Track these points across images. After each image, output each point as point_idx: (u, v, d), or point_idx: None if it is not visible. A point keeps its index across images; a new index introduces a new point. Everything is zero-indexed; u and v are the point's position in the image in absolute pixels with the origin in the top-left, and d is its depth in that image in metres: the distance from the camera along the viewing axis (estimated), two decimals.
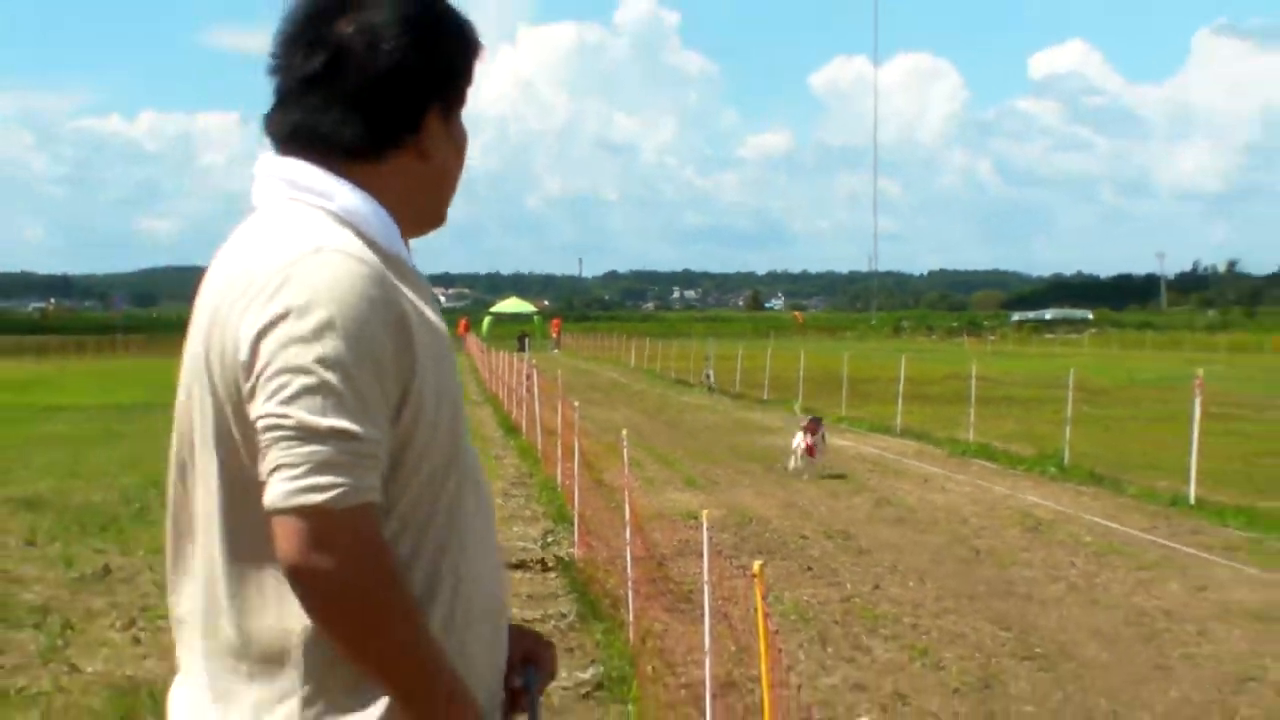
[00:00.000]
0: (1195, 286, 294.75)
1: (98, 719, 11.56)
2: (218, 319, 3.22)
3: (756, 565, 7.67)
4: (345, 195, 3.32)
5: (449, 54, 3.48)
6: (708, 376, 64.87)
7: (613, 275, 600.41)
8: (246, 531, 3.19)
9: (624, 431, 17.27)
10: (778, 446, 34.94)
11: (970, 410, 37.53)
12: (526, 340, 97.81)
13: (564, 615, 15.44)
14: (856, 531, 22.00)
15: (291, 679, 3.21)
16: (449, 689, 3.20)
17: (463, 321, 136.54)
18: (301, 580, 3.07)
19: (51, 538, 20.61)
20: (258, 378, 3.10)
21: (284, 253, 3.17)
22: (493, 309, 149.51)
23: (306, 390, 3.04)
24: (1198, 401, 26.09)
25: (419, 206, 3.49)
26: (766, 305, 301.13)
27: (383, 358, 3.12)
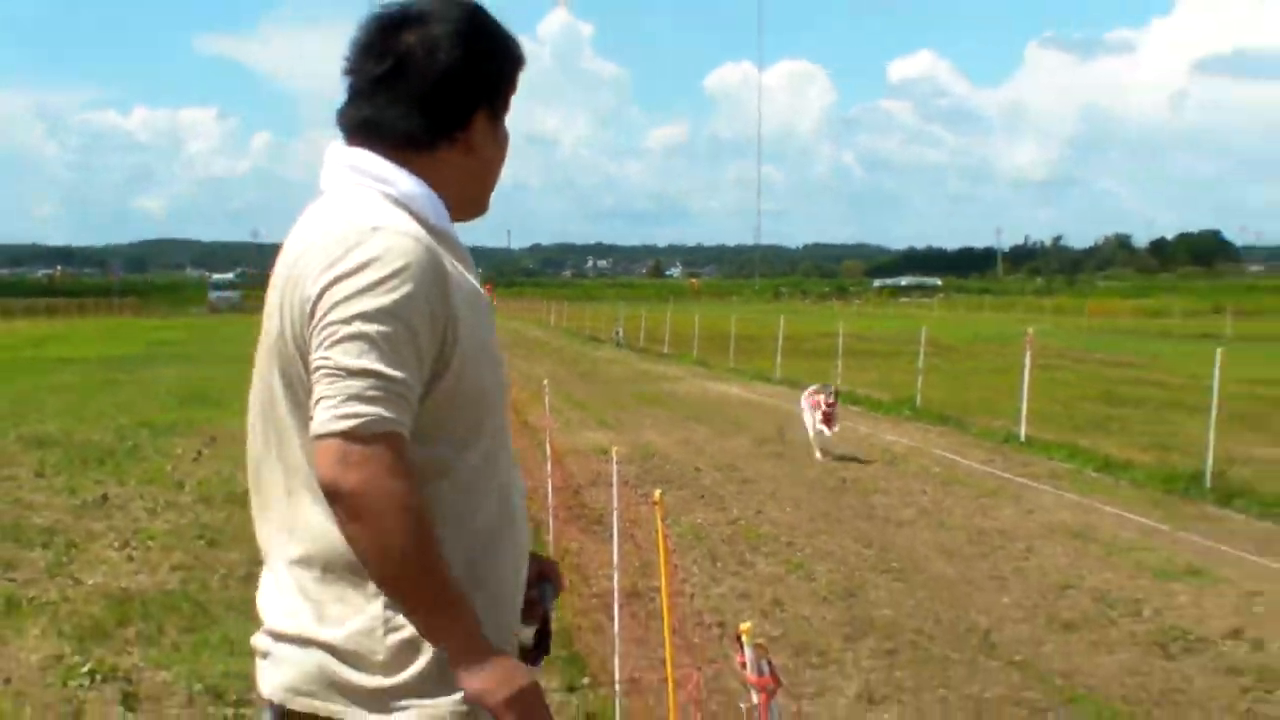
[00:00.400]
0: (1026, 258, 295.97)
1: (97, 624, 11.56)
2: (290, 284, 3.29)
3: (657, 493, 7.71)
4: (403, 181, 3.39)
5: (496, 65, 3.55)
6: (617, 334, 65.04)
7: (537, 247, 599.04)
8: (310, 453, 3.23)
9: (545, 381, 17.35)
10: (678, 392, 34.94)
11: (838, 362, 37.64)
12: None
13: None
14: (742, 465, 22.08)
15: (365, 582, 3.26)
16: (461, 614, 3.19)
17: None
18: (331, 494, 3.12)
19: (58, 470, 20.66)
20: (316, 328, 3.17)
21: (347, 229, 3.24)
22: None
23: (346, 338, 3.11)
24: (1028, 355, 26.25)
25: (465, 194, 3.54)
26: (667, 273, 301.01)
27: (420, 318, 3.17)
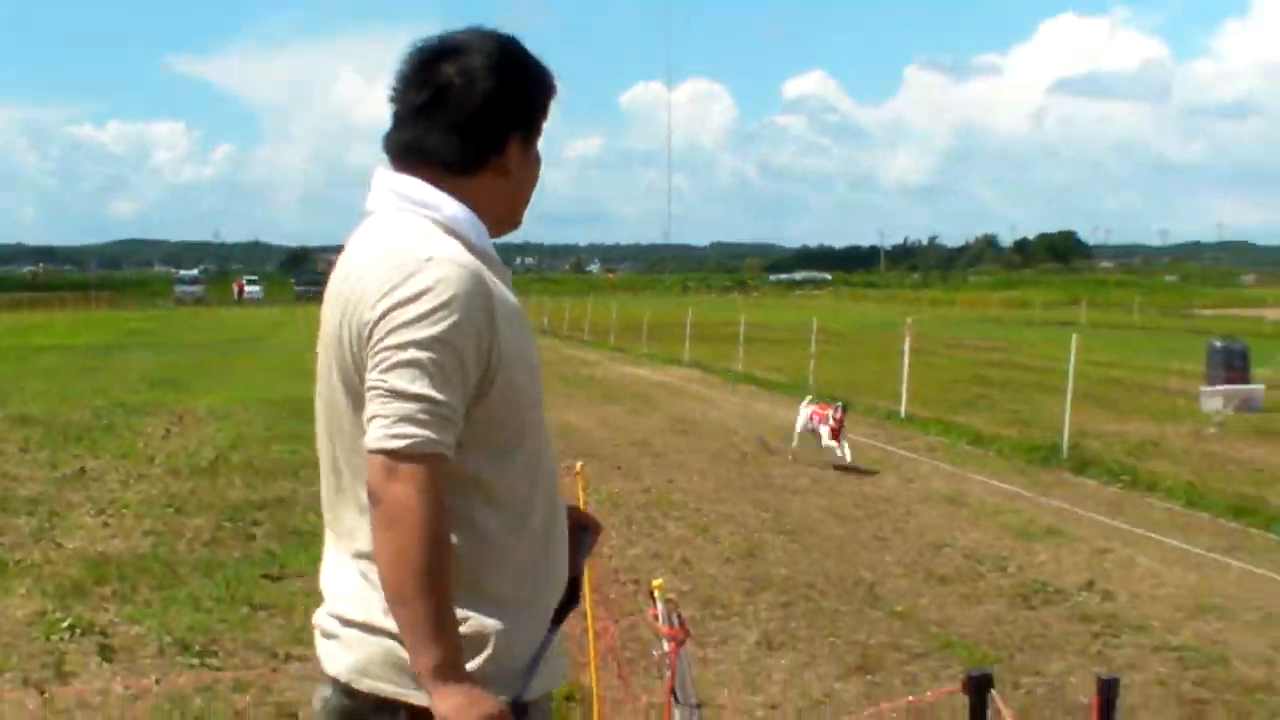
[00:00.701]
0: (905, 256, 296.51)
1: (76, 583, 11.53)
2: (350, 304, 3.29)
3: (579, 464, 7.73)
4: (448, 205, 3.38)
5: (529, 94, 3.52)
6: (543, 322, 64.93)
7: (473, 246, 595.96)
8: None
9: None
10: (596, 376, 34.92)
11: (740, 348, 37.68)
12: None
13: None
14: (654, 440, 22.12)
15: None
16: (447, 638, 3.15)
17: None
18: (373, 500, 3.13)
19: (40, 446, 20.57)
20: (373, 351, 3.17)
21: (404, 257, 3.22)
22: None
23: (401, 364, 3.11)
24: (907, 342, 26.32)
25: (499, 212, 3.51)
26: (586, 269, 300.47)
27: (468, 343, 3.17)
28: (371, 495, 3.14)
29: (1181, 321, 77.13)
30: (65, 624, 10.23)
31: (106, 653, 9.58)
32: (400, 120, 3.48)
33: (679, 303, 79.42)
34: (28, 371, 36.82)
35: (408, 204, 3.41)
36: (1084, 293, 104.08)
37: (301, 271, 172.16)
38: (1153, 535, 14.25)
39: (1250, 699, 8.98)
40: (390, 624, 3.23)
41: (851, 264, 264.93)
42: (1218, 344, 29.62)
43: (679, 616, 4.48)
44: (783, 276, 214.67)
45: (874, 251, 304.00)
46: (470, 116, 3.41)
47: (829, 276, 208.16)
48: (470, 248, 3.34)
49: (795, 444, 19.95)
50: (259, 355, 45.24)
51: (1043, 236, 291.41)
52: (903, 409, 25.64)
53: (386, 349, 3.15)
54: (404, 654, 3.20)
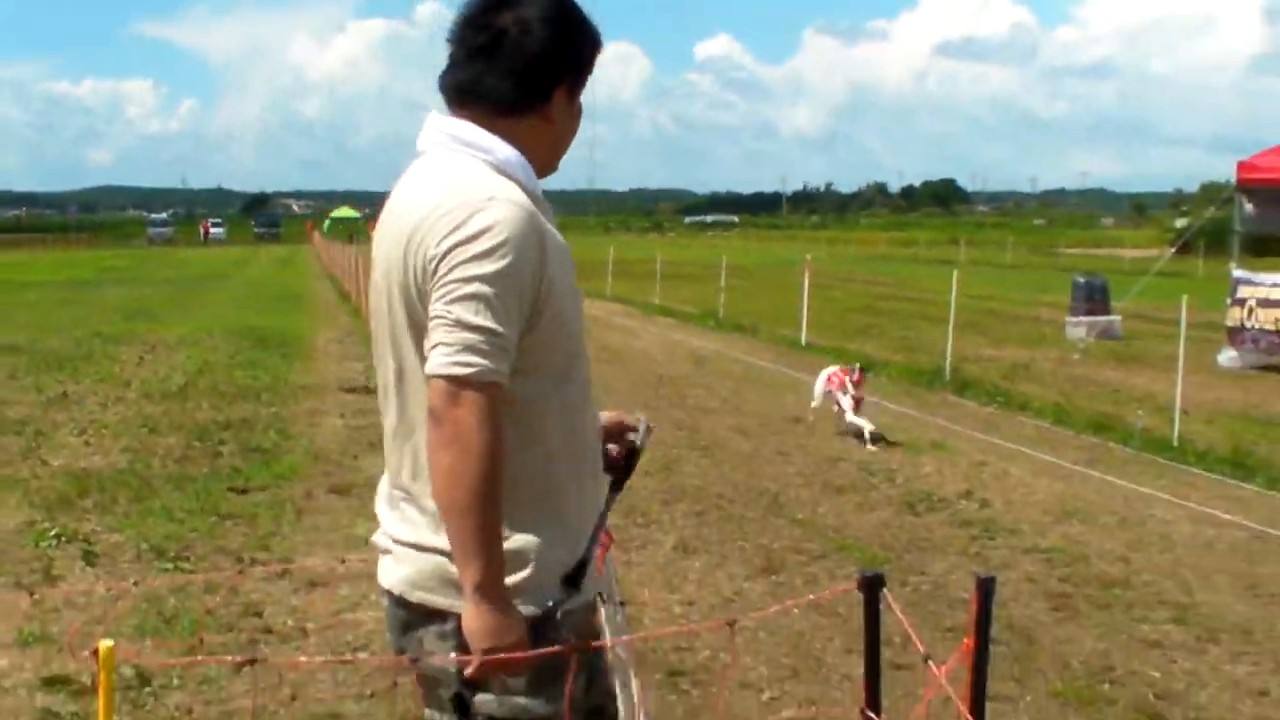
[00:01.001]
0: (805, 200, 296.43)
1: (61, 496, 11.48)
2: (413, 242, 3.25)
3: None
4: (501, 149, 3.35)
5: (578, 48, 3.48)
6: None
7: None
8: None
9: None
10: None
11: (657, 283, 37.70)
12: (354, 236, 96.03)
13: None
14: None
15: None
16: (492, 557, 3.14)
17: (309, 224, 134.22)
18: (434, 421, 3.12)
19: (27, 372, 20.43)
20: (437, 284, 3.15)
21: (466, 198, 3.20)
22: (332, 214, 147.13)
23: (464, 296, 3.10)
24: (806, 276, 26.39)
25: (542, 156, 3.47)
26: None
27: (524, 279, 3.17)
28: (433, 415, 3.13)
29: (1049, 260, 77.59)
30: (52, 533, 10.20)
31: (90, 558, 9.56)
32: (456, 62, 3.46)
33: (601, 242, 79.31)
34: (13, 305, 36.35)
35: (461, 146, 3.39)
36: (963, 234, 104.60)
37: (260, 214, 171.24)
38: (1024, 449, 14.38)
39: (1108, 593, 9.10)
40: (439, 542, 3.25)
41: (757, 208, 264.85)
42: (1080, 279, 29.91)
43: (605, 526, 4.50)
44: (695, 219, 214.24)
45: (777, 197, 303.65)
46: (523, 64, 3.39)
47: (736, 219, 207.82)
48: (521, 188, 3.32)
49: (815, 405, 15.83)
50: (223, 290, 45.11)
51: (926, 183, 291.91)
52: (803, 337, 25.71)
53: (451, 282, 3.14)
54: (452, 569, 3.21)
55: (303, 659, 7.30)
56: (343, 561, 8.20)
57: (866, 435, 14.58)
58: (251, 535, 10.33)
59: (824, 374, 15.83)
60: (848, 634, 7.80)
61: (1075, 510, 11.58)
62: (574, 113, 3.55)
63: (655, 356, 23.95)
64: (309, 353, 24.16)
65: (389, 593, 3.44)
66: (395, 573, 3.41)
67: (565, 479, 3.37)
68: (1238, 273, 23.75)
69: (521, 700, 3.23)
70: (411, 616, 3.38)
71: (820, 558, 9.93)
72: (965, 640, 3.06)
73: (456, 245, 3.15)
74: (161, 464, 13.10)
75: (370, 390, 17.94)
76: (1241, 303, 22.80)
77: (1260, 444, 14.97)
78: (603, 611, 4.53)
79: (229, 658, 7.06)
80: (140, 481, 12.22)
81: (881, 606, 2.92)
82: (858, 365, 16.01)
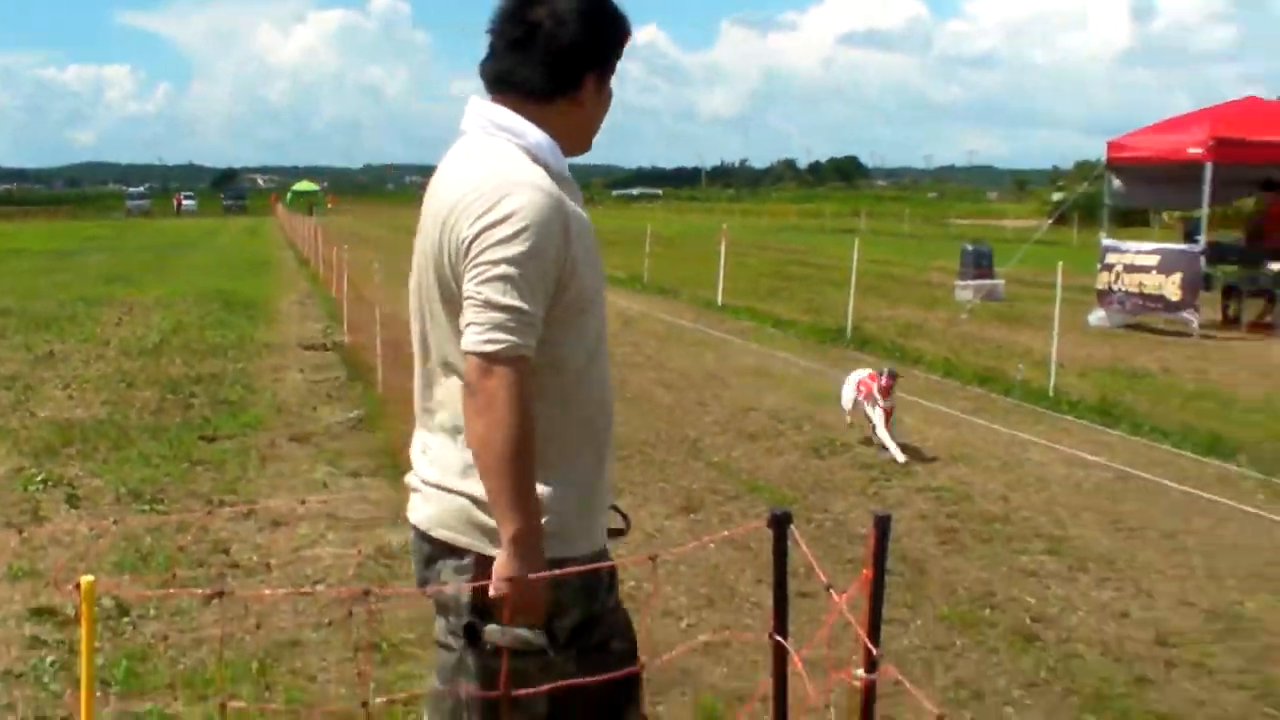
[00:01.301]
0: (722, 175, 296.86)
1: (47, 444, 11.44)
2: (448, 223, 3.27)
3: None
4: (532, 133, 3.35)
5: (608, 39, 3.47)
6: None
7: (369, 167, 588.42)
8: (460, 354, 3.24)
9: (375, 264, 17.17)
10: None
11: None
12: (314, 208, 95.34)
13: (338, 378, 15.44)
14: None
15: None
16: (528, 508, 3.18)
17: (274, 197, 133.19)
18: (469, 394, 3.16)
19: (16, 332, 20.34)
20: (469, 265, 3.17)
21: (497, 182, 3.20)
22: (294, 188, 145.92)
23: (494, 278, 3.12)
24: (723, 244, 26.38)
25: (571, 138, 3.46)
26: None
27: (549, 259, 3.17)
28: (468, 388, 3.18)
29: (940, 229, 77.89)
30: (39, 478, 10.14)
31: (73, 500, 9.51)
32: (495, 52, 3.45)
33: None
34: (3, 272, 36.02)
35: (497, 129, 3.38)
36: (864, 206, 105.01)
37: (228, 188, 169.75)
38: (917, 400, 14.44)
39: (990, 528, 9.17)
40: (462, 486, 3.32)
41: (678, 182, 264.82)
42: (968, 247, 30.01)
43: None
44: (623, 192, 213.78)
45: (696, 172, 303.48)
46: (556, 55, 3.38)
47: (660, 192, 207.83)
48: (549, 170, 3.32)
49: (848, 419, 12.29)
50: (195, 257, 44.75)
51: (831, 160, 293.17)
52: (719, 299, 25.71)
53: (482, 264, 3.16)
54: (474, 511, 3.29)
55: (266, 591, 7.27)
56: (303, 503, 8.20)
57: (896, 458, 11.15)
58: (220, 479, 10.28)
59: (852, 378, 12.20)
60: (758, 566, 7.84)
61: (962, 454, 11.66)
62: (603, 98, 3.54)
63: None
64: (272, 314, 23.99)
65: (415, 528, 3.49)
66: (422, 510, 3.46)
67: (585, 440, 3.40)
68: (1107, 242, 24.03)
69: (524, 633, 3.26)
70: (434, 551, 3.43)
71: (734, 498, 9.97)
72: (864, 571, 3.09)
73: (486, 229, 3.17)
74: (138, 415, 13.03)
75: (327, 348, 17.94)
76: (1110, 268, 23.06)
77: (1125, 395, 15.12)
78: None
79: (199, 590, 7.06)
80: (119, 431, 12.16)
81: (789, 541, 2.93)
82: (887, 369, 11.94)
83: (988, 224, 79.52)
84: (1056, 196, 68.75)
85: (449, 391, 3.39)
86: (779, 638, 2.81)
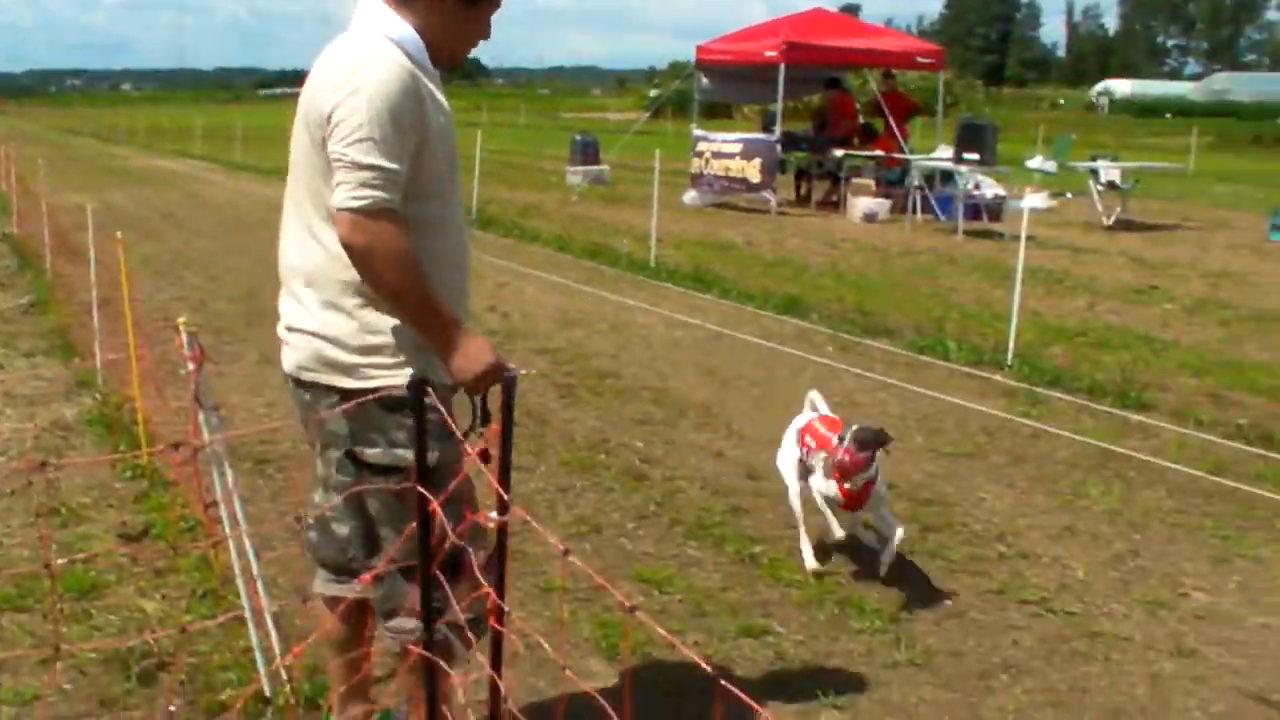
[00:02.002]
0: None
1: None
2: (314, 97, 3.29)
3: (119, 234, 7.35)
4: (396, 26, 3.32)
5: None
6: (90, 129, 61.03)
7: (32, 72, 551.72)
8: (326, 207, 3.26)
9: (40, 160, 16.24)
10: (130, 167, 33.03)
11: (239, 144, 36.47)
12: None
13: (9, 266, 14.51)
14: (174, 211, 21.16)
15: (351, 282, 3.31)
16: (443, 317, 3.26)
17: None
18: (346, 249, 3.19)
19: None
20: (333, 131, 3.18)
21: (357, 58, 3.24)
22: None
23: (358, 140, 3.14)
24: None
25: (435, 44, 3.41)
26: (121, 88, 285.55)
27: (406, 122, 3.19)
28: (343, 243, 3.18)
29: (553, 122, 78.24)
30: None
31: None
32: None
33: (190, 112, 75.94)
34: None
35: (368, 22, 3.36)
36: (485, 102, 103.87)
37: None
38: (535, 272, 14.50)
39: (603, 383, 9.28)
40: (314, 327, 3.38)
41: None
42: (577, 138, 30.21)
43: (198, 344, 4.32)
44: (269, 91, 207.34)
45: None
46: None
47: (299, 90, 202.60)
48: (409, 56, 3.29)
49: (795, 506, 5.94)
50: None
51: (474, 60, 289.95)
52: None
53: (345, 129, 3.15)
54: (327, 350, 3.35)
55: None
56: None
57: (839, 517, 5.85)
58: None
59: (794, 426, 6.18)
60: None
61: (576, 319, 11.75)
62: (467, 16, 3.46)
63: (238, 205, 22.99)
64: None
65: (288, 376, 3.53)
66: (290, 359, 3.49)
67: (446, 278, 3.37)
68: (697, 132, 24.55)
69: (400, 451, 3.36)
70: (306, 394, 3.48)
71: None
72: (493, 425, 3.09)
73: (346, 96, 3.16)
74: None
75: None
76: (700, 155, 23.58)
77: (715, 264, 15.49)
78: (200, 414, 4.37)
79: None
80: None
81: (428, 402, 2.90)
82: (857, 431, 5.47)
83: (593, 117, 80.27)
84: (653, 93, 69.71)
85: (309, 249, 3.40)
86: (421, 488, 2.77)
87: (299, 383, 3.49)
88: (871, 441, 5.39)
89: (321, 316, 3.36)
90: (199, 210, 21.78)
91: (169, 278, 13.87)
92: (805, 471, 5.84)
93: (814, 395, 6.31)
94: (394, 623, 3.54)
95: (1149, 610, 5.44)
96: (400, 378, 3.25)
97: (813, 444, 5.78)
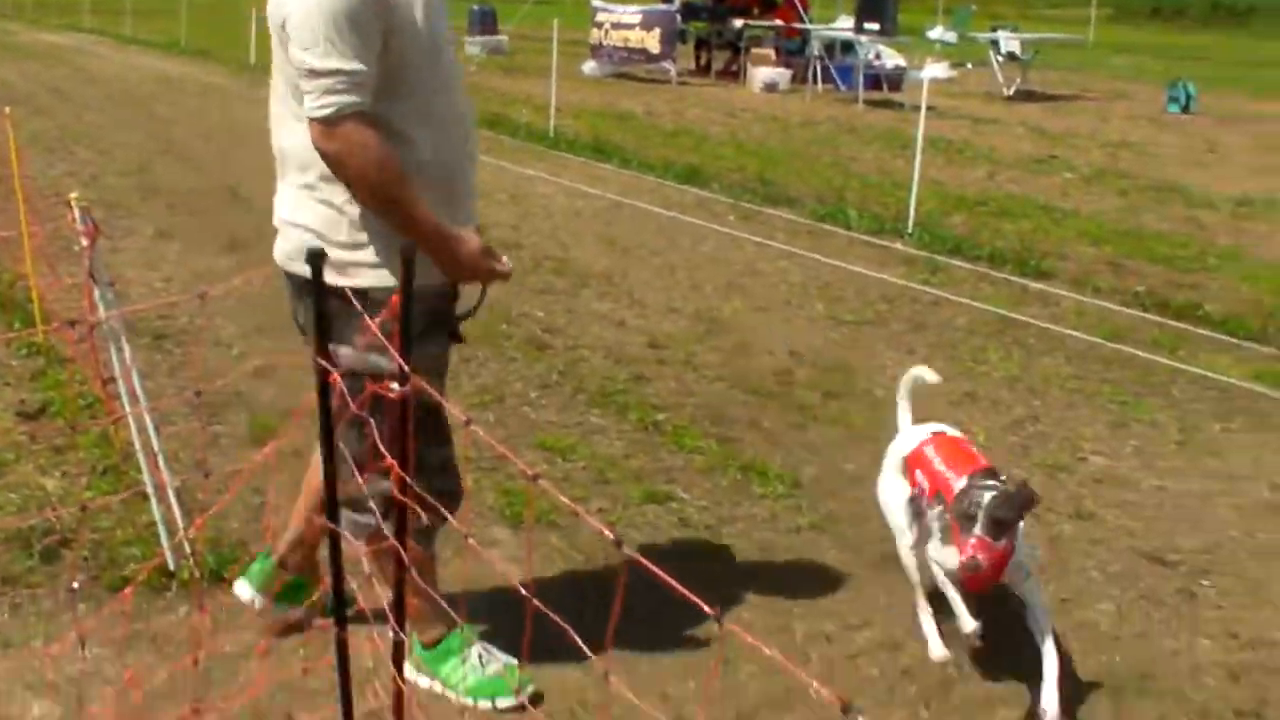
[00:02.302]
0: None
1: None
2: (279, 11, 3.20)
3: (7, 109, 7.15)
4: None
5: None
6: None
7: None
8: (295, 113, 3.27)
9: None
10: (18, 42, 32.01)
11: (128, 17, 35.43)
12: None
13: None
14: (64, 87, 20.45)
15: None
16: (427, 223, 3.23)
17: None
18: (321, 156, 3.17)
19: None
20: (293, 39, 3.12)
21: None
22: None
23: (314, 43, 3.07)
24: (254, 11, 25.25)
25: None
26: None
27: (367, 20, 3.08)
28: (319, 152, 3.16)
29: None
30: None
31: None
32: None
33: None
34: None
35: None
36: None
37: None
38: None
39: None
40: (297, 218, 3.38)
41: None
42: (475, 8, 29.62)
43: (91, 219, 4.22)
44: None
45: None
46: None
47: None
48: None
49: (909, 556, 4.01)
50: None
51: None
52: (252, 58, 24.55)
53: (302, 34, 3.09)
54: (318, 243, 3.22)
55: None
56: None
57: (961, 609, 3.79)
58: None
59: (896, 449, 4.25)
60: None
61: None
62: None
63: (128, 79, 22.32)
64: None
65: (280, 267, 3.53)
66: (280, 248, 3.50)
67: (434, 177, 3.33)
68: (596, 3, 24.24)
69: (373, 357, 3.20)
70: (293, 285, 3.49)
71: (271, 237, 9.66)
72: (393, 298, 3.04)
73: (301, 4, 3.09)
74: None
75: None
76: (600, 25, 23.42)
77: (615, 134, 15.40)
78: (95, 290, 4.29)
79: None
80: None
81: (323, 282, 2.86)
82: (994, 484, 3.63)
83: None
84: None
85: (289, 143, 3.36)
86: (322, 361, 2.73)
87: (286, 273, 3.51)
88: (1012, 520, 3.53)
89: (317, 210, 3.34)
90: (88, 85, 21.15)
91: (59, 153, 13.44)
92: (919, 514, 3.91)
93: (918, 372, 4.49)
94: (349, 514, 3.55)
95: (1048, 474, 5.55)
96: (386, 279, 3.27)
97: (925, 484, 3.89)
